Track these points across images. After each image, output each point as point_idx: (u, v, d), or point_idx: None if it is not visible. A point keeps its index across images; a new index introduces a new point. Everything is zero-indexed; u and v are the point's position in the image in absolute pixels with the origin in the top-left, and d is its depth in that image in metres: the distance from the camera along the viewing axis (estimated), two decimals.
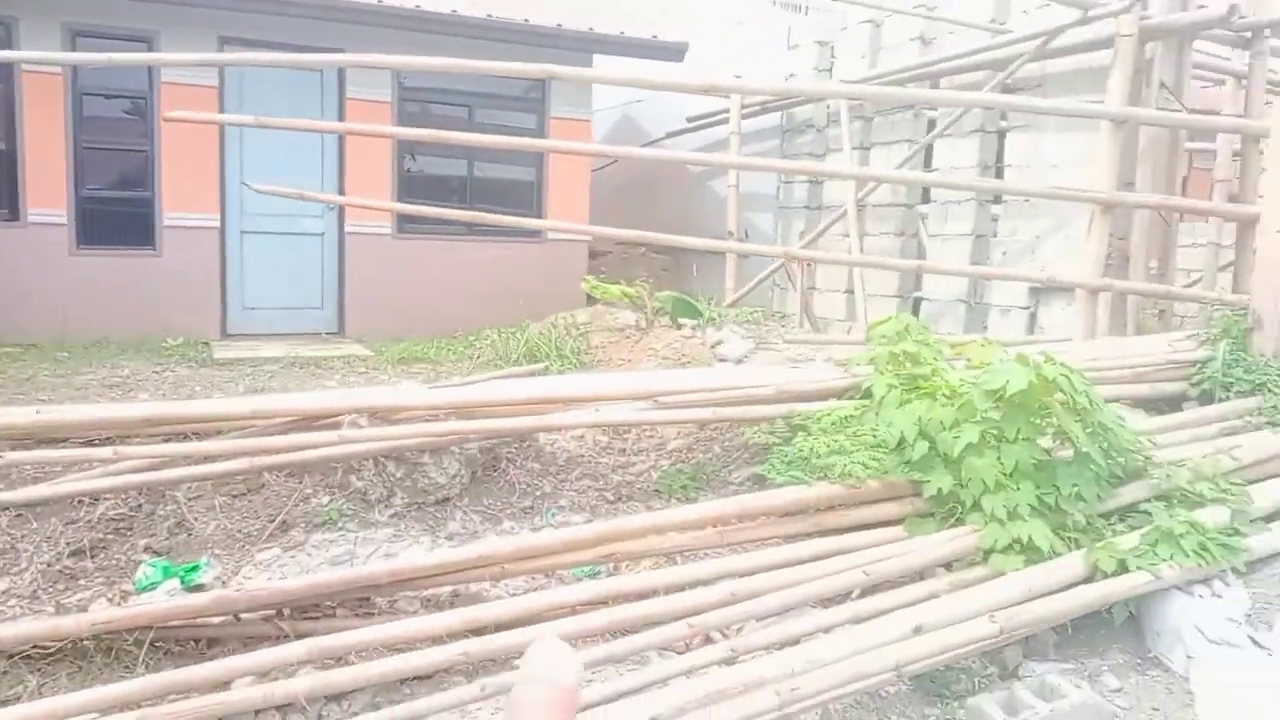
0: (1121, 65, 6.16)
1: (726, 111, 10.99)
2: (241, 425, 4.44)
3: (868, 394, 4.72)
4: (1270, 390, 5.30)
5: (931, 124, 9.14)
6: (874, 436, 4.36)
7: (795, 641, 3.43)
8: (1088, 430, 4.01)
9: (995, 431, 4.03)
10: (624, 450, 5.60)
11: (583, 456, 5.45)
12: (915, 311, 8.85)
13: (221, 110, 9.04)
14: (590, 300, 9.48)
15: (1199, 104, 11.36)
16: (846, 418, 4.56)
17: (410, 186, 10.19)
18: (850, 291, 9.70)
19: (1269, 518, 4.28)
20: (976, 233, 8.21)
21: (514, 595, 3.81)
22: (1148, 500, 4.19)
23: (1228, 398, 5.39)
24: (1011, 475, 3.95)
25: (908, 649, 3.24)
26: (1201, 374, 5.51)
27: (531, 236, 10.51)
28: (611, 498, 4.91)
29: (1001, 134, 8.23)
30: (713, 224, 11.60)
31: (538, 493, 4.76)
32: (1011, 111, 7.55)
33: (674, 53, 10.35)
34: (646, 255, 13.82)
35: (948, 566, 3.99)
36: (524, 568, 3.82)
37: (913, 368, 4.73)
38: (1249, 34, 6.58)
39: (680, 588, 3.72)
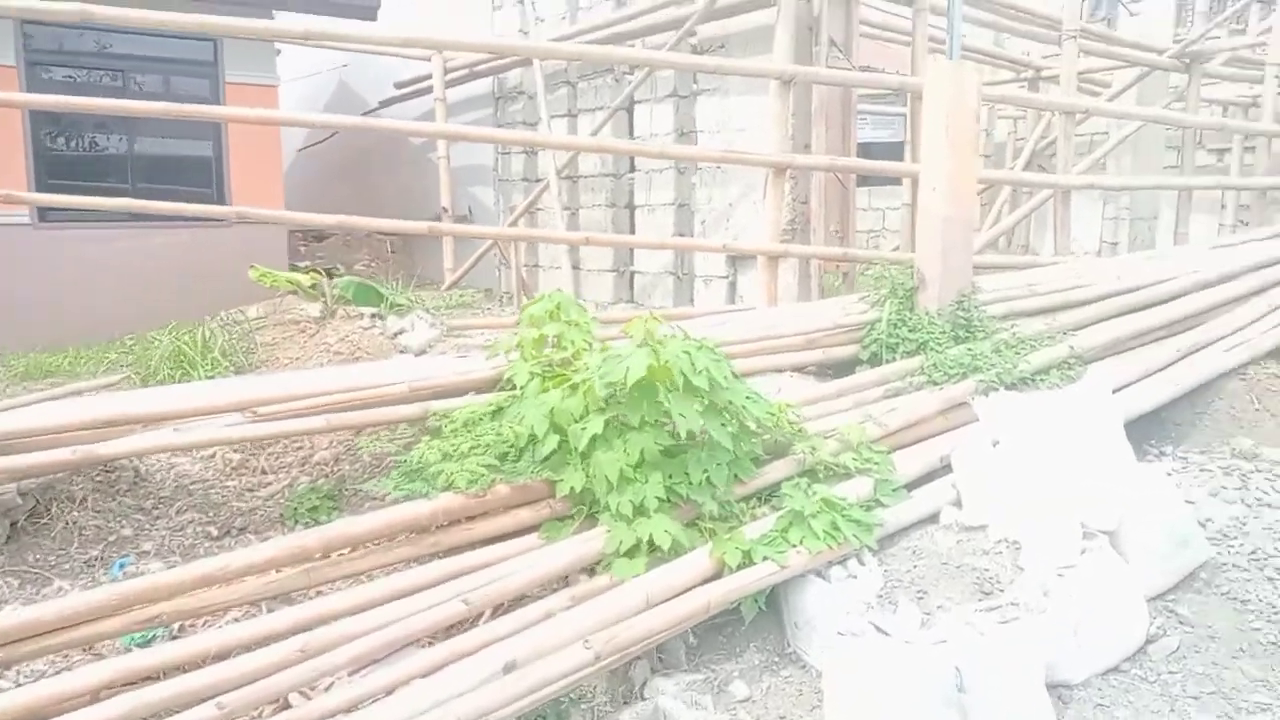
0: (785, 22, 6.01)
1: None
2: None
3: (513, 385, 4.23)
4: (932, 348, 5.30)
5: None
6: (501, 435, 3.86)
7: (376, 697, 2.87)
8: (717, 409, 3.69)
9: (621, 420, 3.64)
10: (261, 469, 4.83)
11: (204, 481, 4.62)
12: (631, 284, 8.56)
13: None
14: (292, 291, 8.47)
15: (895, 64, 11.90)
16: (481, 415, 4.04)
17: (53, 167, 8.68)
18: (577, 268, 9.28)
19: (915, 484, 4.18)
20: (679, 201, 7.99)
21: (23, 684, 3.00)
22: (794, 478, 3.96)
23: (894, 359, 5.36)
24: (639, 467, 3.57)
25: (495, 693, 2.76)
26: (870, 336, 5.46)
27: (217, 221, 9.28)
28: (218, 533, 4.14)
29: (695, 98, 8.02)
30: (436, 200, 10.83)
31: (112, 538, 3.90)
32: (698, 73, 7.33)
33: (365, 10, 9.41)
34: (372, 237, 12.82)
35: (591, 572, 3.58)
36: (41, 646, 3.02)
37: (557, 353, 4.28)
38: None
39: (252, 645, 3.06)
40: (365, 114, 11.91)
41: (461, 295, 9.18)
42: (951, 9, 5.48)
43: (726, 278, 7.39)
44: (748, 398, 3.87)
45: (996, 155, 11.88)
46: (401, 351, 6.31)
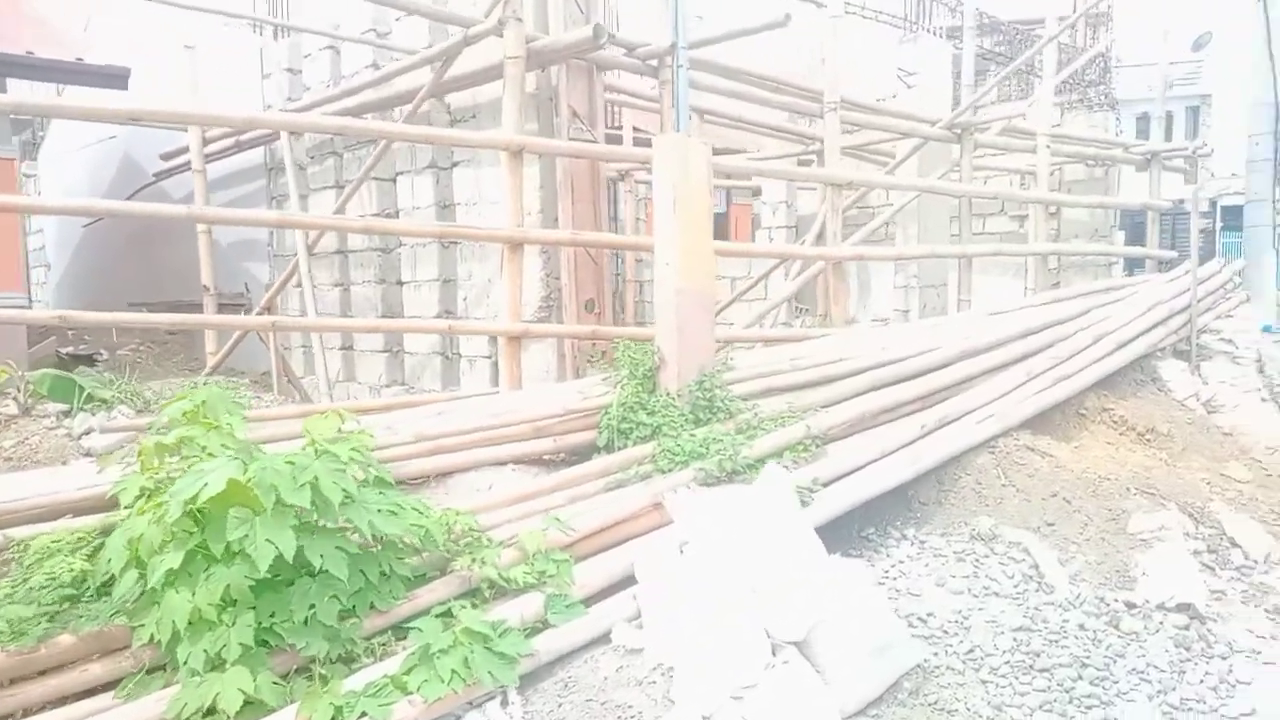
0: (511, 92, 5.66)
1: (212, 147, 9.46)
2: None
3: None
4: (665, 433, 4.89)
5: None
6: (75, 570, 3.16)
7: None
8: (328, 531, 3.11)
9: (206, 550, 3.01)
10: None
11: None
12: (403, 366, 7.94)
13: None
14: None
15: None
16: (64, 544, 3.33)
17: None
18: (349, 348, 8.60)
19: (600, 596, 3.68)
20: (444, 277, 7.48)
21: None
22: (452, 600, 3.41)
23: (627, 445, 4.92)
24: (227, 607, 2.93)
25: None
26: (605, 420, 5.01)
27: None
28: None
29: (453, 170, 7.58)
30: (222, 274, 10.01)
31: None
32: (423, 144, 6.90)
33: (112, 78, 8.65)
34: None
35: None
36: None
37: (183, 463, 3.62)
38: (655, 62, 6.48)
39: None
40: (142, 187, 11.02)
41: (221, 382, 8.33)
42: (677, 80, 5.25)
43: (490, 358, 6.87)
44: (392, 510, 3.31)
45: (804, 227, 12.00)
46: (86, 454, 5.49)
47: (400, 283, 8.09)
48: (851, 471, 4.83)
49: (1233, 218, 23.43)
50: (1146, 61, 23.78)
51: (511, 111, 5.61)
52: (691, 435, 4.73)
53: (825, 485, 4.65)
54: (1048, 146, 9.34)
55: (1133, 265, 13.87)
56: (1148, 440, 6.51)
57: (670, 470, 4.56)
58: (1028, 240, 12.56)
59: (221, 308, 10.64)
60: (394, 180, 8.10)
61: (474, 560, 3.50)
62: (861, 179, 8.34)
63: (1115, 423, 6.61)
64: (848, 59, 7.55)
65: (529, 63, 5.77)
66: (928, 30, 11.48)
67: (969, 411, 5.67)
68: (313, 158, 8.88)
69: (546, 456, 4.94)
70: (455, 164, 7.35)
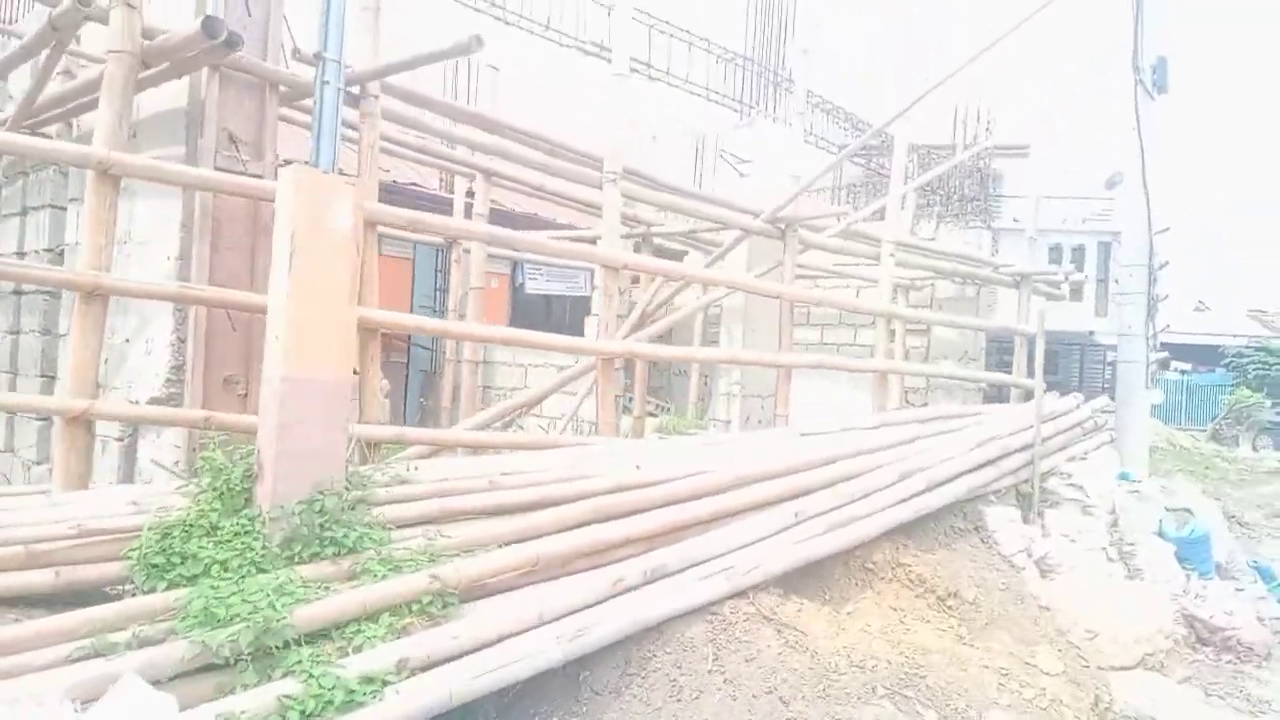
0: (111, 93, 4.38)
1: None
2: None
3: None
4: (223, 575, 3.43)
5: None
6: None
7: None
8: None
9: None
10: None
11: None
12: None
13: None
14: None
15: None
16: None
17: None
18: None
19: None
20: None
21: None
22: None
23: (161, 588, 3.45)
24: None
25: None
26: (138, 550, 3.52)
27: None
28: None
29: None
30: None
31: None
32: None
33: None
34: None
35: None
36: None
37: None
38: (357, 89, 5.28)
39: None
40: None
41: None
42: (320, 98, 4.04)
43: (121, 440, 5.34)
44: None
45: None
46: None
47: (60, 335, 6.48)
48: (488, 644, 3.44)
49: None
50: (1060, 195, 23.99)
51: (108, 119, 4.30)
52: (243, 584, 3.29)
53: (433, 665, 3.26)
54: (892, 255, 8.37)
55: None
56: (948, 608, 5.26)
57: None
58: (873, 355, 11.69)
59: None
60: (64, 209, 6.60)
61: None
62: (642, 264, 7.19)
63: (911, 581, 5.35)
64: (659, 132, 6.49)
65: (173, 69, 4.51)
66: (774, 118, 10.69)
67: (698, 562, 4.35)
68: (7, 178, 7.40)
69: (45, 594, 3.44)
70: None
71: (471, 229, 5.82)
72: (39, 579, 3.40)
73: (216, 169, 4.72)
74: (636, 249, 9.10)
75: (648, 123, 11.31)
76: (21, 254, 6.98)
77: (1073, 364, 17.65)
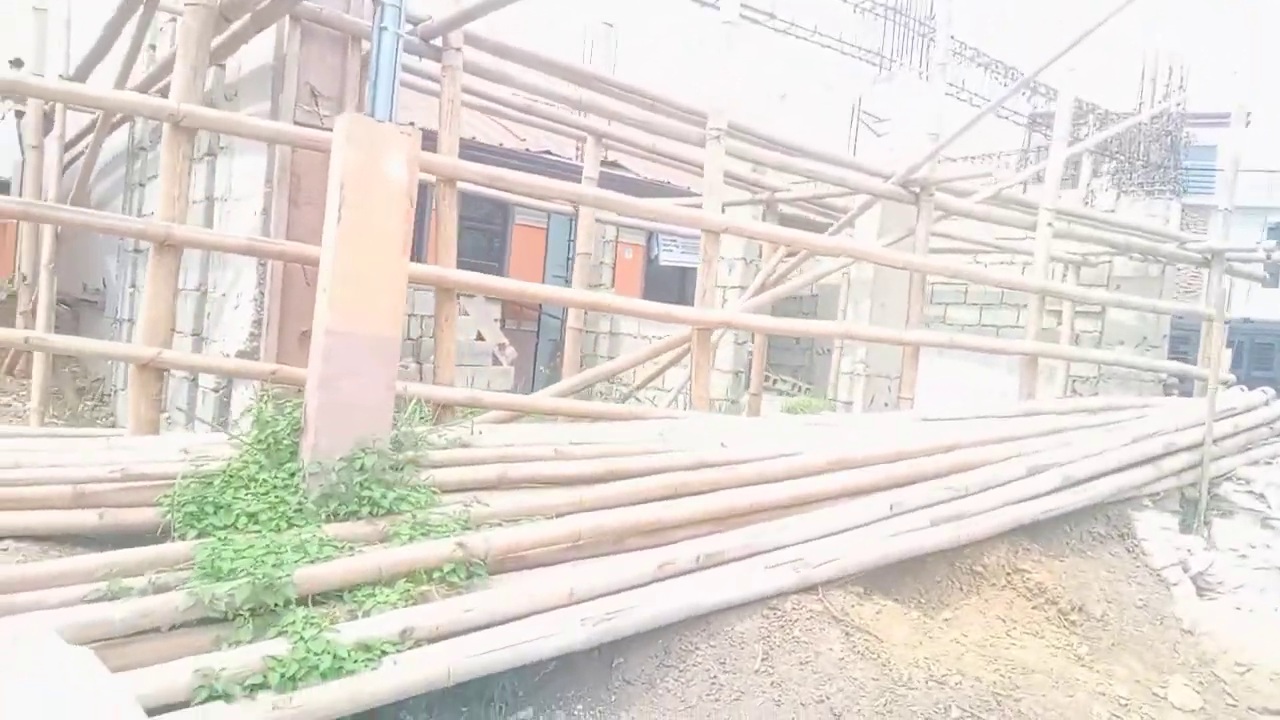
0: (187, 46, 4.39)
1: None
2: None
3: None
4: (233, 530, 3.39)
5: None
6: None
7: None
8: None
9: None
10: None
11: None
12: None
13: None
14: None
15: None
16: None
17: None
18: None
19: None
20: (201, 287, 6.07)
21: None
22: None
23: (191, 533, 3.45)
24: None
25: None
26: (172, 497, 3.52)
27: None
28: None
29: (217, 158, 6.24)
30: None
31: None
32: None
33: None
34: None
35: None
36: None
37: None
38: (440, 43, 5.11)
39: None
40: None
41: None
42: (378, 46, 3.89)
43: (217, 390, 5.48)
44: None
45: None
46: None
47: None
48: (505, 620, 3.23)
49: None
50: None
51: (183, 72, 4.34)
52: (261, 539, 3.23)
53: (441, 638, 3.08)
54: (1050, 225, 7.47)
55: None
56: (1069, 623, 4.59)
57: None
58: (1060, 339, 10.57)
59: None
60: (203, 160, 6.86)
61: None
62: (744, 228, 6.67)
63: (1028, 590, 4.71)
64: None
65: (252, 22, 4.52)
66: (918, 72, 9.67)
67: (762, 550, 3.96)
68: (154, 142, 7.83)
69: (88, 534, 3.52)
70: (221, 151, 5.98)
71: (561, 189, 5.59)
72: (83, 519, 3.48)
73: (296, 123, 4.74)
74: (764, 217, 8.62)
75: (775, 79, 10.67)
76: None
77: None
